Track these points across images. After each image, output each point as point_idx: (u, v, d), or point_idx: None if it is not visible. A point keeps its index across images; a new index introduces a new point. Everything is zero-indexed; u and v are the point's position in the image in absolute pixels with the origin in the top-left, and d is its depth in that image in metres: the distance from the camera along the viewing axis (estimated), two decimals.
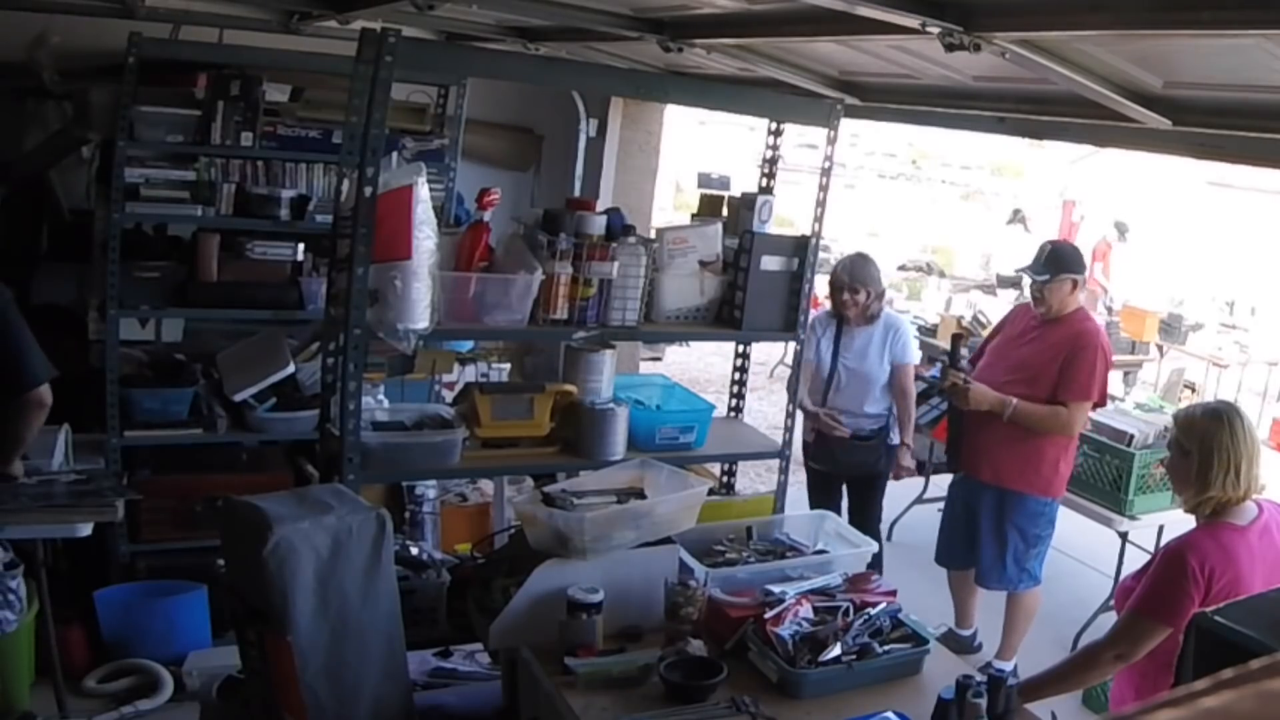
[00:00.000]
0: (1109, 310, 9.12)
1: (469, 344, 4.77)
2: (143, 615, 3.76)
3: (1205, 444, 2.39)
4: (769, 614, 2.21)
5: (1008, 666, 4.08)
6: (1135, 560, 3.98)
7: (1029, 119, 3.39)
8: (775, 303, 3.08)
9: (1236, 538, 2.35)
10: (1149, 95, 2.75)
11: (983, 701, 1.91)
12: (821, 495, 4.58)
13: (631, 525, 2.34)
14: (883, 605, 2.31)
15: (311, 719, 2.12)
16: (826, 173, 3.07)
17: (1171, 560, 2.34)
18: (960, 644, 4.31)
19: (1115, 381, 8.31)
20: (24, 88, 4.73)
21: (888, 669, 2.21)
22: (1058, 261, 3.91)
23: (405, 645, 2.30)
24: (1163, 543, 3.86)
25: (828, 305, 4.70)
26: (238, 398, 3.94)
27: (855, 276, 4.37)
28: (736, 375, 3.44)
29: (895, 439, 4.49)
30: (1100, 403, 4.00)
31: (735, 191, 3.37)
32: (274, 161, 4.34)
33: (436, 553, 3.10)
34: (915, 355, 4.57)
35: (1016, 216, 11.14)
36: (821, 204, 3.09)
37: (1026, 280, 4.14)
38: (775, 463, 3.25)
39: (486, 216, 2.78)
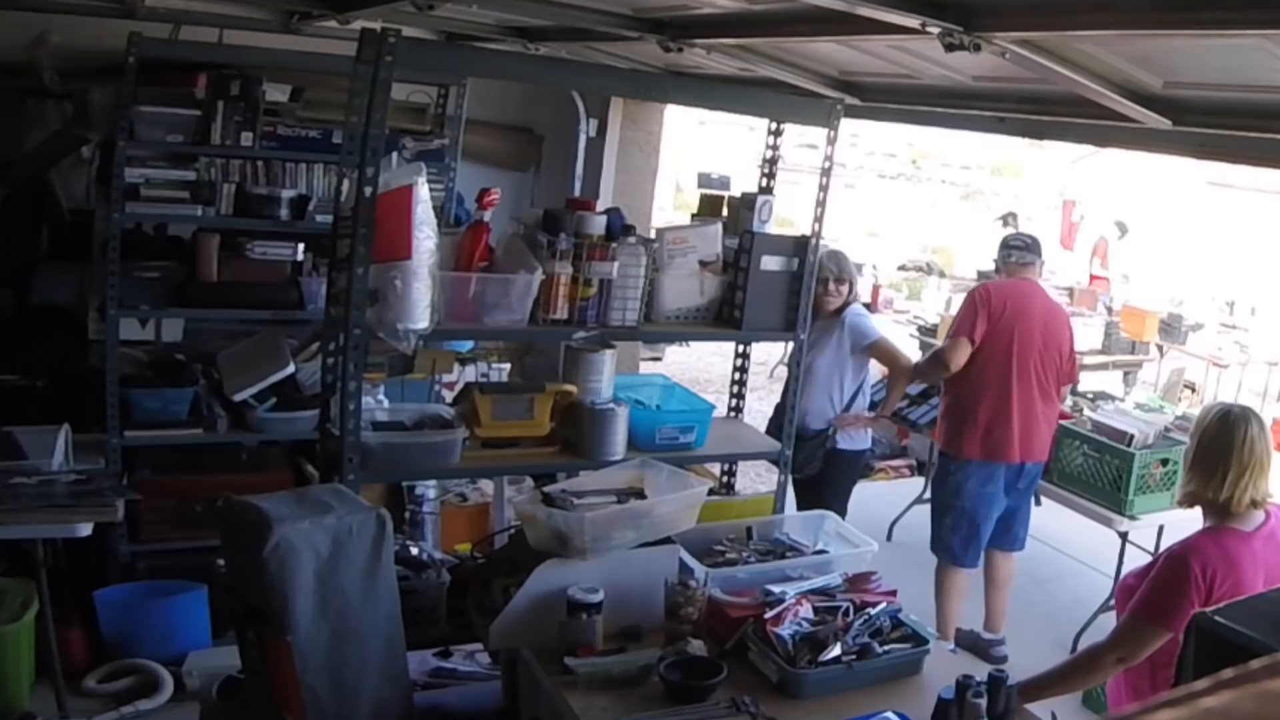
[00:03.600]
0: (1109, 309, 9.11)
1: (469, 344, 4.77)
2: (143, 615, 3.76)
3: (1203, 438, 2.44)
4: (769, 614, 2.21)
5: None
6: (1135, 560, 3.98)
7: (1029, 119, 3.40)
8: (775, 303, 3.07)
9: (1240, 543, 2.35)
10: (1149, 95, 2.75)
11: (983, 701, 1.91)
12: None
13: (631, 525, 2.34)
14: (883, 605, 2.31)
15: (311, 719, 2.12)
16: (826, 173, 3.07)
17: (1173, 564, 2.34)
18: (987, 650, 4.35)
19: (1115, 381, 8.32)
20: (24, 88, 4.73)
21: (888, 669, 2.20)
22: None
23: (405, 645, 2.29)
24: (1163, 543, 3.87)
25: None
26: (238, 398, 3.94)
27: (842, 268, 4.31)
28: (736, 375, 3.44)
29: (840, 443, 4.31)
30: (956, 334, 4.22)
31: (735, 191, 3.37)
32: (274, 161, 4.33)
33: (436, 553, 3.09)
34: (877, 330, 4.41)
35: (1007, 216, 11.27)
36: (821, 204, 3.08)
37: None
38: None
39: (486, 216, 2.78)
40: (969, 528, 4.24)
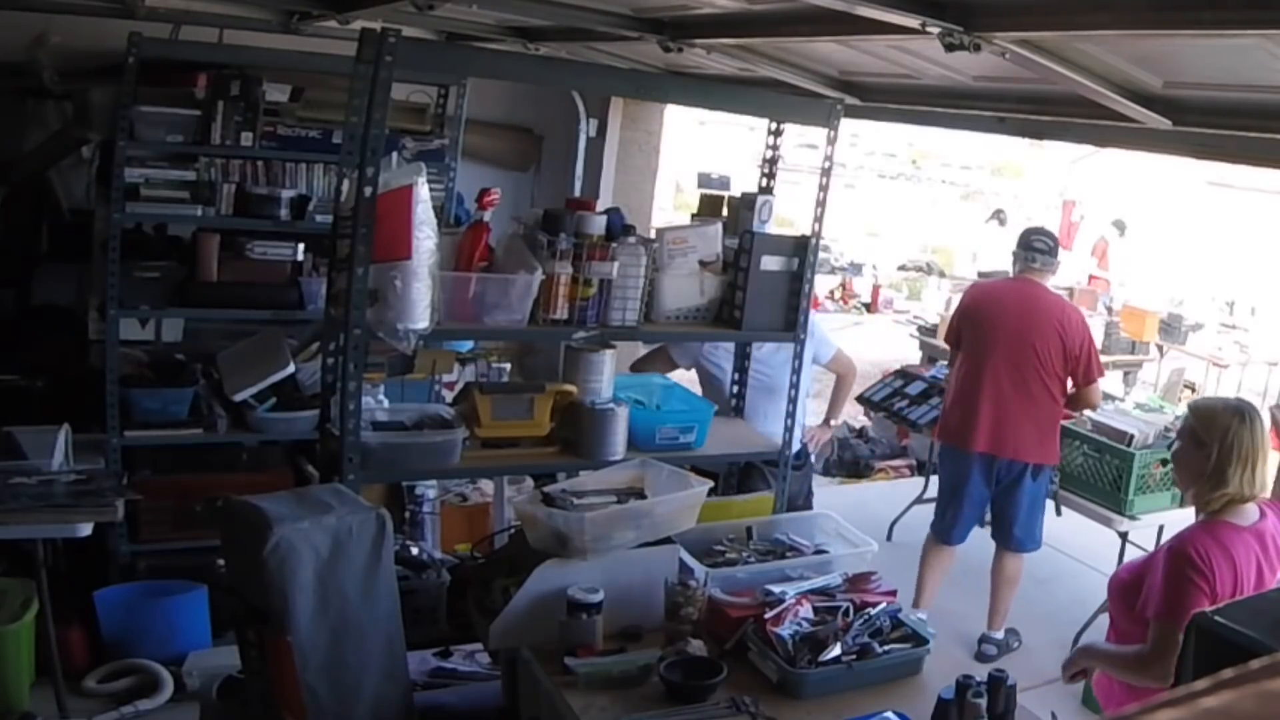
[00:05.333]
0: (1109, 309, 9.11)
1: (469, 344, 4.77)
2: (143, 615, 3.75)
3: (1227, 439, 2.38)
4: (769, 614, 2.21)
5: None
6: None
7: (1029, 119, 3.40)
8: (775, 303, 3.07)
9: (1234, 534, 2.36)
10: (1149, 95, 2.75)
11: (983, 701, 1.91)
12: None
13: (631, 525, 2.34)
14: (883, 605, 2.31)
15: (311, 719, 2.12)
16: (826, 173, 3.07)
17: (1174, 559, 2.35)
18: (978, 645, 4.37)
19: (1115, 381, 8.32)
20: (24, 88, 4.73)
21: (888, 669, 2.21)
22: None
23: (405, 645, 2.30)
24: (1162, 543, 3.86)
25: None
26: (238, 398, 3.94)
27: None
28: (736, 375, 3.44)
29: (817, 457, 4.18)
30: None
31: (735, 191, 3.36)
32: (274, 161, 4.33)
33: (436, 553, 3.10)
34: (833, 344, 4.14)
35: (997, 213, 11.39)
36: (821, 204, 3.08)
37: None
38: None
39: (486, 216, 2.78)
40: (943, 501, 4.49)
